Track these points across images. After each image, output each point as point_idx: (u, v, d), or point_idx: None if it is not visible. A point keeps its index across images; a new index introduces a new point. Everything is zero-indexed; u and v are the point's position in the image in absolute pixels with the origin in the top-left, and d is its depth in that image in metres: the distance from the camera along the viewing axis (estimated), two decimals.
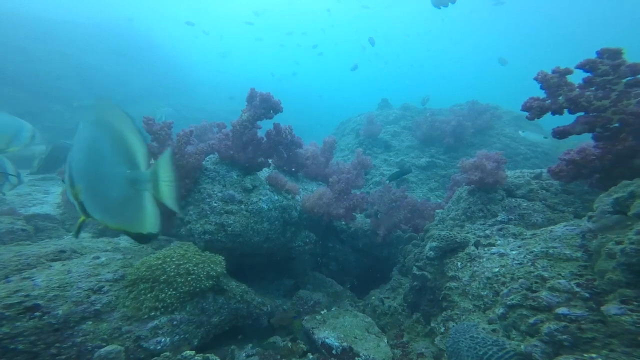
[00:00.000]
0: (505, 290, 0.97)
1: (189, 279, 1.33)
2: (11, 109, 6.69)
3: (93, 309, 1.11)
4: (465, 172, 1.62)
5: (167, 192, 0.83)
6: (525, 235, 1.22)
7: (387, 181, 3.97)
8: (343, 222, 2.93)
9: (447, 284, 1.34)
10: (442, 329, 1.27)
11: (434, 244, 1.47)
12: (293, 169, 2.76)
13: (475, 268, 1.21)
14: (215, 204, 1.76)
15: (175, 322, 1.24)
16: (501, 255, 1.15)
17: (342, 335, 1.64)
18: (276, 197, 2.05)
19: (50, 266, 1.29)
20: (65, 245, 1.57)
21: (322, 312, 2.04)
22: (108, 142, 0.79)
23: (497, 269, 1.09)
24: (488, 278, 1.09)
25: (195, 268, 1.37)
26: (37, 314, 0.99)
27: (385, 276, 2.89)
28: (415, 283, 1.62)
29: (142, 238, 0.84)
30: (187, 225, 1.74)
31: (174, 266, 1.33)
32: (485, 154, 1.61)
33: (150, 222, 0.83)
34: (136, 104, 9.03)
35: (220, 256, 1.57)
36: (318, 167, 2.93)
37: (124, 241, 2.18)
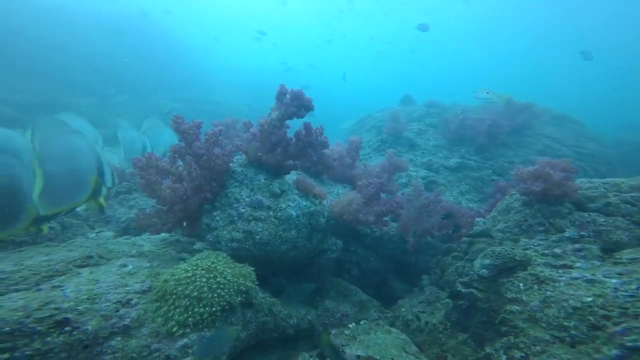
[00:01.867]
0: (617, 329, 0.81)
1: (220, 294, 1.26)
2: (41, 101, 6.96)
3: (122, 324, 1.06)
4: (523, 182, 1.45)
5: None
6: (621, 259, 1.05)
7: None
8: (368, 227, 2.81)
9: (507, 307, 1.19)
10: (504, 358, 1.13)
11: (487, 261, 1.32)
12: (319, 171, 2.66)
13: (548, 293, 1.06)
14: (243, 210, 1.69)
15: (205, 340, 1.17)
16: (590, 282, 0.99)
17: (378, 357, 1.52)
18: (304, 203, 1.95)
19: (79, 273, 1.26)
20: (91, 249, 1.55)
21: (351, 326, 1.93)
22: None
23: (589, 299, 0.93)
24: (575, 308, 0.94)
25: (225, 282, 1.30)
26: (67, 328, 0.95)
27: (413, 283, 2.74)
28: (461, 302, 1.48)
29: None
30: (214, 232, 1.68)
31: (204, 280, 1.26)
32: (549, 162, 1.43)
33: None
34: (150, 96, 9.18)
35: (250, 268, 1.50)
36: (344, 169, 2.82)
37: (147, 243, 2.17)
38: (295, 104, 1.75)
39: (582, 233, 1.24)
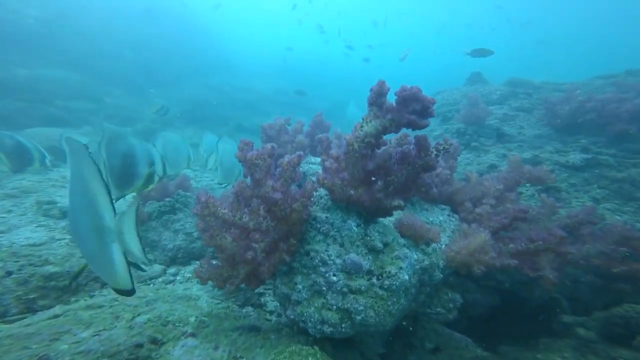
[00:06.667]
0: None
1: None
2: (74, 94, 7.05)
3: None
4: None
5: (132, 245, 0.88)
6: None
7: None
8: None
9: None
10: None
11: None
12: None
13: None
14: (335, 277, 1.20)
15: None
16: None
17: None
18: (415, 256, 1.39)
19: None
20: (142, 321, 1.21)
21: None
22: (79, 191, 0.81)
23: None
24: None
25: None
26: None
27: (533, 326, 2.09)
28: None
29: (120, 292, 0.87)
30: (297, 308, 1.22)
31: None
32: None
33: (121, 278, 0.86)
34: (178, 85, 9.08)
35: None
36: (442, 185, 2.15)
37: (203, 293, 1.85)
38: (412, 108, 1.13)
39: None
